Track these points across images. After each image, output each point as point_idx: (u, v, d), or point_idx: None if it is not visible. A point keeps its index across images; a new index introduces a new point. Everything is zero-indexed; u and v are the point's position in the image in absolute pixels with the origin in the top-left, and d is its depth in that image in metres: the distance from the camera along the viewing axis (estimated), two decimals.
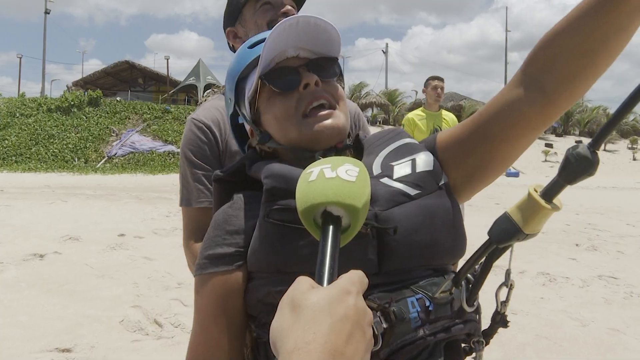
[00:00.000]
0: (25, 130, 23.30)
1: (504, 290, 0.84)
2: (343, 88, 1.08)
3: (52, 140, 22.89)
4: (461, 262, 0.89)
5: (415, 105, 38.88)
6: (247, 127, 1.05)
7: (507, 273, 0.82)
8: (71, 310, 4.35)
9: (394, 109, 36.84)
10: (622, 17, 0.75)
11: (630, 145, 33.97)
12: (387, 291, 0.84)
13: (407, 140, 1.01)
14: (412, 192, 0.90)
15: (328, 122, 0.93)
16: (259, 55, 0.94)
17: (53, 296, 4.72)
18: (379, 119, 35.76)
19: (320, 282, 0.56)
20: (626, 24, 0.76)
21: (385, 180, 0.92)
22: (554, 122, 0.90)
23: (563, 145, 30.21)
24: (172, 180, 16.75)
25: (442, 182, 0.94)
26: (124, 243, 7.04)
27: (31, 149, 22.23)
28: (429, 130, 5.50)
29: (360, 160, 0.97)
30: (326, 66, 0.99)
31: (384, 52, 55.23)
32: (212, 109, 1.58)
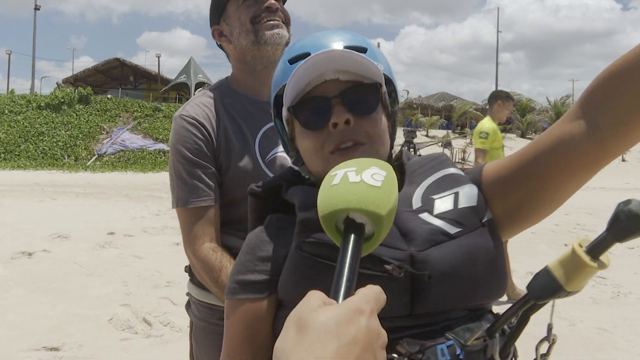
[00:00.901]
0: (14, 127, 23.06)
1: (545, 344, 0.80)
2: (396, 112, 1.02)
3: (41, 138, 22.67)
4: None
5: (407, 105, 39.04)
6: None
7: (549, 328, 0.79)
8: (60, 308, 4.33)
9: None
10: None
11: None
12: (419, 334, 0.80)
13: (451, 170, 0.96)
14: (453, 230, 0.84)
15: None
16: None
17: (41, 295, 4.69)
18: None
19: (335, 297, 0.53)
20: None
21: (424, 215, 0.87)
22: (603, 165, 0.83)
23: None
24: (162, 179, 16.67)
25: (486, 218, 0.89)
26: (113, 241, 7.00)
27: (20, 146, 22.00)
28: (501, 141, 5.55)
29: (400, 190, 0.92)
30: (364, 98, 0.91)
31: None
32: (200, 106, 1.54)
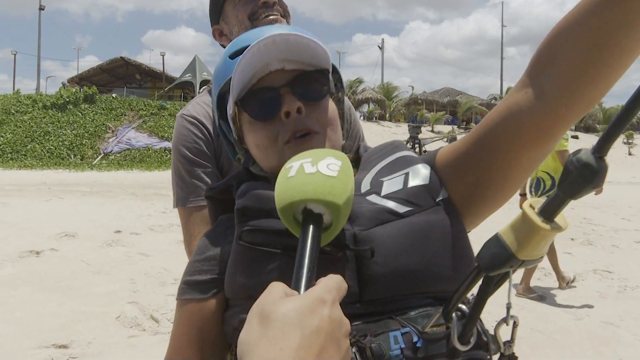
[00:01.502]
0: (21, 127, 23.21)
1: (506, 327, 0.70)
2: (342, 100, 0.98)
3: (47, 137, 22.80)
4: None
5: (412, 100, 38.97)
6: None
7: (507, 308, 0.68)
8: (67, 306, 4.36)
9: (390, 104, 36.91)
10: (631, 14, 0.64)
11: (626, 140, 34.06)
12: (370, 322, 0.73)
13: (404, 153, 0.92)
14: (402, 209, 0.79)
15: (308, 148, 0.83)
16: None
17: (49, 293, 4.73)
18: (375, 114, 35.78)
19: (296, 287, 0.53)
20: (634, 21, 0.65)
21: (372, 197, 0.83)
22: (554, 137, 0.77)
23: None
24: (168, 177, 16.62)
25: (441, 197, 0.83)
26: (120, 239, 7.04)
27: (27, 146, 22.14)
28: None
29: None
30: (314, 84, 0.88)
31: (380, 48, 55.23)
32: (202, 105, 1.53)
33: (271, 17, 1.49)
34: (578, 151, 0.57)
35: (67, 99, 25.17)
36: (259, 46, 0.81)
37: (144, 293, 4.76)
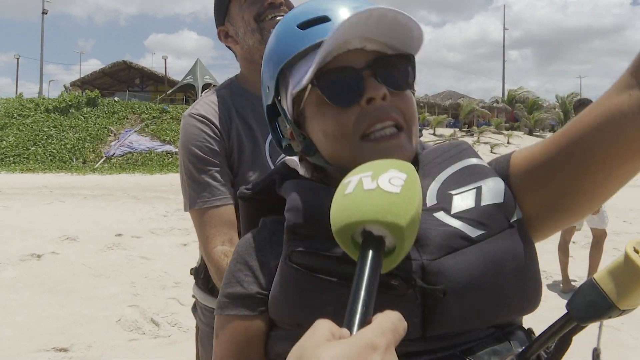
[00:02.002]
0: (23, 130, 23.27)
1: None
2: (414, 93, 0.84)
3: (50, 141, 22.84)
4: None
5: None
6: (288, 126, 0.85)
7: (596, 354, 0.65)
8: (68, 309, 4.36)
9: None
10: None
11: None
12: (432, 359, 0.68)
13: (473, 161, 0.81)
14: (474, 232, 0.70)
15: (393, 151, 0.73)
16: (312, 45, 0.78)
17: (50, 296, 4.73)
18: None
19: (349, 325, 0.46)
20: None
21: (440, 215, 0.73)
22: None
23: None
24: (170, 180, 16.73)
25: (515, 218, 0.74)
26: (121, 243, 7.04)
27: (29, 149, 22.19)
28: None
29: None
30: (399, 70, 0.77)
31: None
32: (210, 104, 1.50)
33: (278, 18, 1.46)
34: None
35: (70, 103, 25.24)
36: (352, 21, 0.71)
37: (145, 296, 4.76)
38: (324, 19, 0.79)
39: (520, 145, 30.75)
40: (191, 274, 1.64)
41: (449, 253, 0.69)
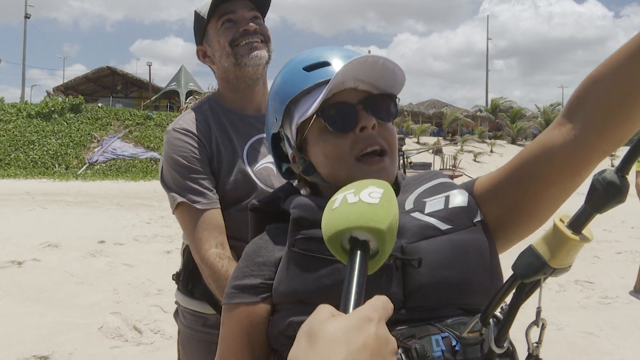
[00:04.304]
0: (5, 136, 22.95)
1: (536, 330, 0.76)
2: (396, 125, 1.06)
3: (32, 147, 22.58)
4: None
5: (398, 112, 39.01)
6: (290, 151, 1.03)
7: (538, 311, 0.74)
8: (49, 317, 4.32)
9: None
10: None
11: None
12: (413, 328, 0.81)
13: (444, 179, 1.01)
14: (443, 226, 0.88)
15: (380, 172, 0.91)
16: (316, 84, 0.95)
17: (31, 304, 4.68)
18: None
19: (345, 310, 0.54)
20: None
21: (416, 214, 0.91)
22: (584, 171, 0.84)
23: None
24: (153, 187, 16.63)
25: (478, 219, 0.91)
26: (104, 250, 6.99)
27: (10, 155, 21.91)
28: None
29: None
30: (384, 106, 0.96)
31: None
32: (192, 119, 1.56)
33: (251, 43, 1.54)
34: (603, 171, 0.65)
35: (53, 108, 24.98)
36: (353, 64, 0.89)
37: (128, 304, 4.73)
38: (325, 64, 0.98)
39: (504, 154, 31.08)
40: (173, 279, 1.67)
41: (423, 239, 0.85)
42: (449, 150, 28.56)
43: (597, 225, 10.19)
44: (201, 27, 1.61)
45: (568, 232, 0.67)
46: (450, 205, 0.91)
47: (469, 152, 30.33)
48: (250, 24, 1.54)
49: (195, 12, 1.63)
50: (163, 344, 3.86)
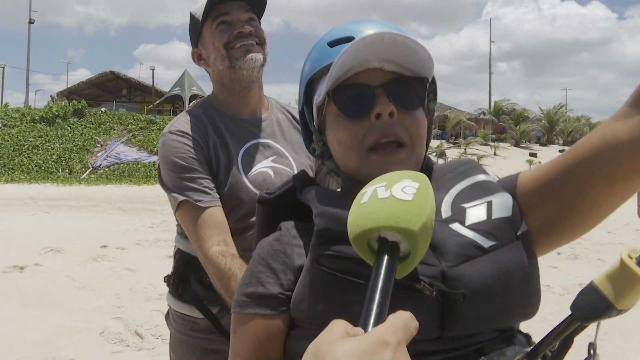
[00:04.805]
0: (8, 140, 23.03)
1: None
2: (433, 112, 0.93)
3: (35, 151, 22.63)
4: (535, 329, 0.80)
5: None
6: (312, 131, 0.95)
7: (590, 347, 0.68)
8: (51, 322, 4.31)
9: None
10: None
11: None
12: (447, 359, 0.74)
13: (483, 177, 0.87)
14: (486, 243, 0.76)
15: (392, 166, 0.79)
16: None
17: (33, 308, 4.67)
18: None
19: (364, 325, 0.48)
20: None
21: (455, 226, 0.79)
22: None
23: (547, 154, 30.52)
24: (156, 192, 16.62)
25: (521, 231, 0.80)
26: (106, 254, 6.98)
27: (14, 159, 21.96)
28: None
29: None
30: (411, 91, 0.84)
31: None
32: (187, 121, 1.55)
33: (246, 46, 1.53)
34: None
35: (56, 113, 25.04)
36: (365, 42, 0.78)
37: (129, 308, 4.72)
38: (350, 39, 0.86)
39: (507, 156, 31.03)
40: (165, 281, 1.66)
41: (466, 261, 0.75)
42: (452, 153, 28.52)
43: (601, 227, 10.12)
44: (196, 29, 1.60)
45: (639, 271, 0.59)
46: (494, 216, 0.79)
47: (473, 154, 30.25)
48: (246, 26, 1.53)
49: (191, 14, 1.62)
50: (164, 349, 3.83)
